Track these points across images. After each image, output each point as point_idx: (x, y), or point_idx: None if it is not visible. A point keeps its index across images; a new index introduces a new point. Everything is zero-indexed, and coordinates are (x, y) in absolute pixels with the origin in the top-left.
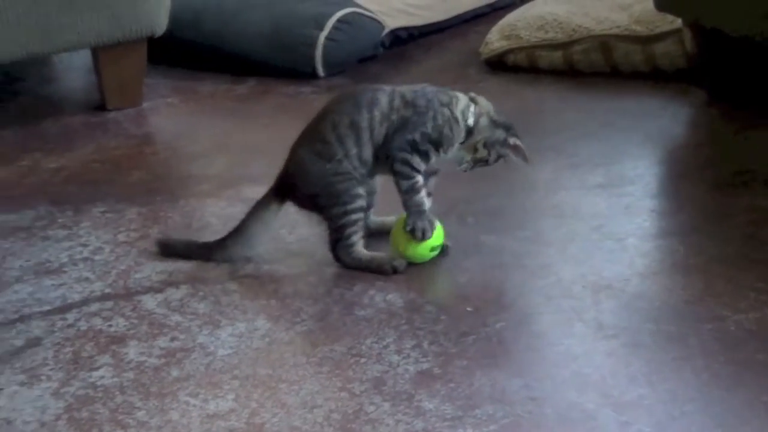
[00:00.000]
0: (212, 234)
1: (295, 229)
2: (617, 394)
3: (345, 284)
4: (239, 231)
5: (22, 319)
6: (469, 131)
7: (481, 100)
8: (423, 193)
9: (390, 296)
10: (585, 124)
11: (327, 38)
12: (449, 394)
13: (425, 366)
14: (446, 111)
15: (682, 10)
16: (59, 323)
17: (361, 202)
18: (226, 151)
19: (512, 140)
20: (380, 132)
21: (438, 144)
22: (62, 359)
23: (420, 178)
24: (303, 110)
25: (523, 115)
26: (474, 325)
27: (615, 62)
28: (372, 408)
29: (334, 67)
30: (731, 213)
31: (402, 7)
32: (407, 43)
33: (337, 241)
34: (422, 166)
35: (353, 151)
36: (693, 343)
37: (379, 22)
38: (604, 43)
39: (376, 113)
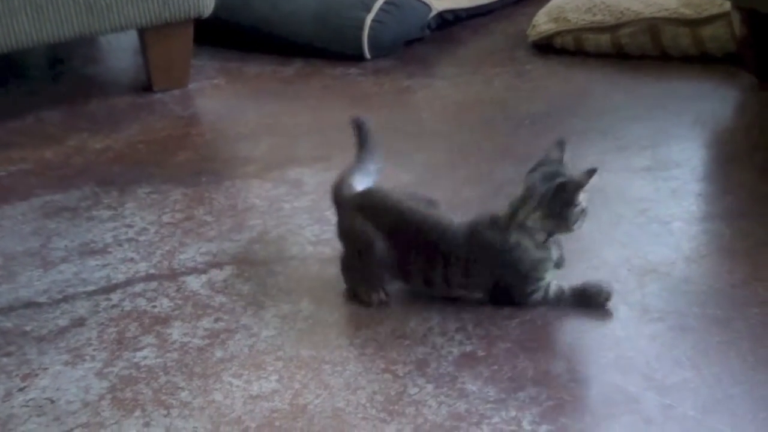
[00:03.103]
0: (258, 215)
1: None
2: (661, 377)
3: None
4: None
5: (66, 299)
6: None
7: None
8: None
9: None
10: (632, 106)
11: (374, 20)
12: (492, 376)
13: (469, 348)
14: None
15: None
16: (103, 303)
17: None
18: (271, 132)
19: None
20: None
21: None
22: (106, 339)
23: (543, 283)
24: (349, 92)
25: (570, 98)
26: (517, 308)
27: (663, 45)
28: (415, 390)
29: (381, 50)
30: None
31: None
32: (454, 26)
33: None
34: (545, 276)
35: None
36: (739, 327)
37: (426, 4)
38: (653, 26)
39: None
